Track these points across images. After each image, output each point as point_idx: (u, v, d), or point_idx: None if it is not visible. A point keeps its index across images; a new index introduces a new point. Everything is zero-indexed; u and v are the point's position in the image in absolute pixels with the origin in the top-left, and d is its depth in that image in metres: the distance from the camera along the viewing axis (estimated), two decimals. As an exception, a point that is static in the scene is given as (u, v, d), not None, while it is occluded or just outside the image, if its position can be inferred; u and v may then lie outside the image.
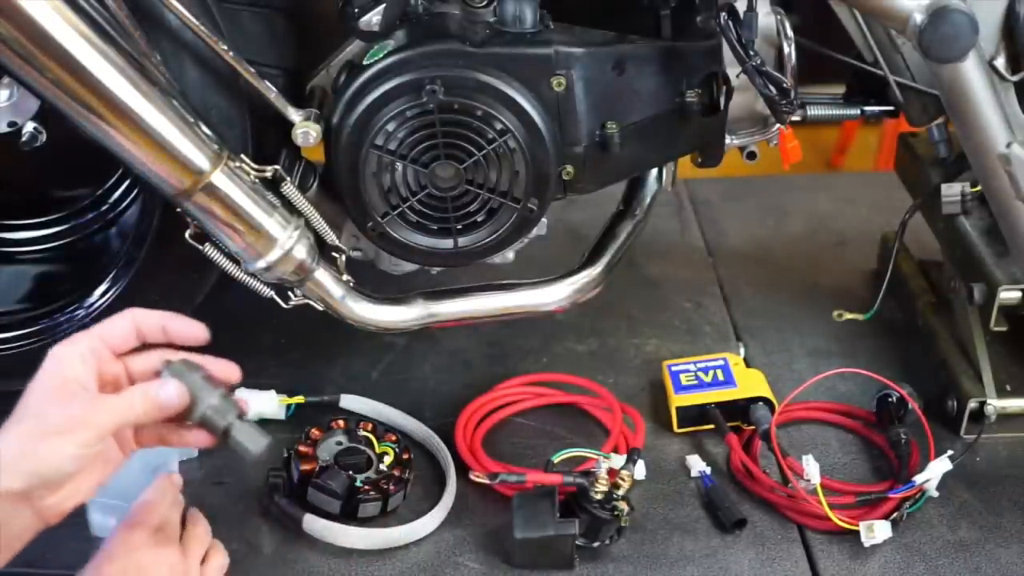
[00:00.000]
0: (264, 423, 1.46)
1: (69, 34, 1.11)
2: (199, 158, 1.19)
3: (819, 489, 1.29)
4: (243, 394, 1.45)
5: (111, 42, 1.14)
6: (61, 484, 0.89)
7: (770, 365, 1.59)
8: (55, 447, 0.88)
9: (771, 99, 1.29)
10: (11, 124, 1.35)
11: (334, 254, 1.34)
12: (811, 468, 1.30)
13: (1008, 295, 1.42)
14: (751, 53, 1.27)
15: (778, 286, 1.82)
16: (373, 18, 1.28)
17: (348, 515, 1.30)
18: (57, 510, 0.92)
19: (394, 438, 1.38)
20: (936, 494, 1.34)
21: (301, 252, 1.28)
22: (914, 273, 1.73)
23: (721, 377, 1.49)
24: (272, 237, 1.26)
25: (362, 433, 1.37)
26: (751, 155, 1.47)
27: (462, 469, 1.37)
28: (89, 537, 1.26)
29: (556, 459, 1.34)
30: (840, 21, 1.42)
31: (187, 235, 1.26)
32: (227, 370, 1.04)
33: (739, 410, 1.46)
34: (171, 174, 1.19)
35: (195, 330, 1.03)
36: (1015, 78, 1.30)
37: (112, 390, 0.97)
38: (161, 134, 1.17)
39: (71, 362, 0.94)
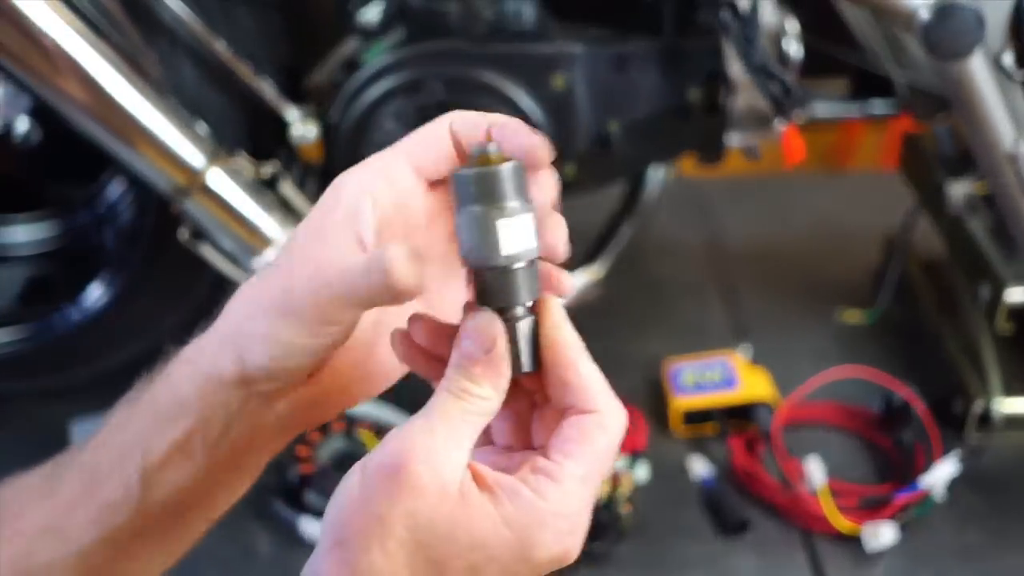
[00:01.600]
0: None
1: (64, 31, 1.10)
2: (195, 156, 1.18)
3: (823, 491, 1.28)
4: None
5: (106, 39, 1.13)
6: (284, 375, 0.58)
7: (773, 366, 1.57)
8: (261, 327, 0.57)
9: (774, 97, 1.27)
10: (5, 122, 1.34)
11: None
12: (814, 470, 1.29)
13: (1015, 295, 1.40)
14: (754, 50, 1.26)
15: (781, 286, 1.81)
16: (372, 15, 1.27)
17: (346, 518, 1.29)
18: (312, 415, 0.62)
19: (393, 440, 1.36)
20: (942, 497, 1.32)
21: (298, 252, 1.27)
22: (919, 273, 1.71)
23: (723, 378, 1.47)
24: (269, 236, 1.24)
25: (360, 435, 1.36)
26: (753, 153, 1.45)
27: (461, 471, 1.35)
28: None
29: (556, 461, 1.33)
30: (844, 18, 1.41)
31: (183, 234, 1.25)
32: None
33: (741, 411, 1.44)
34: (166, 172, 1.18)
35: (533, 142, 0.59)
36: (1022, 76, 1.28)
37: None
38: (156, 132, 1.16)
39: (346, 197, 0.57)
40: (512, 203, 0.54)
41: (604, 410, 0.56)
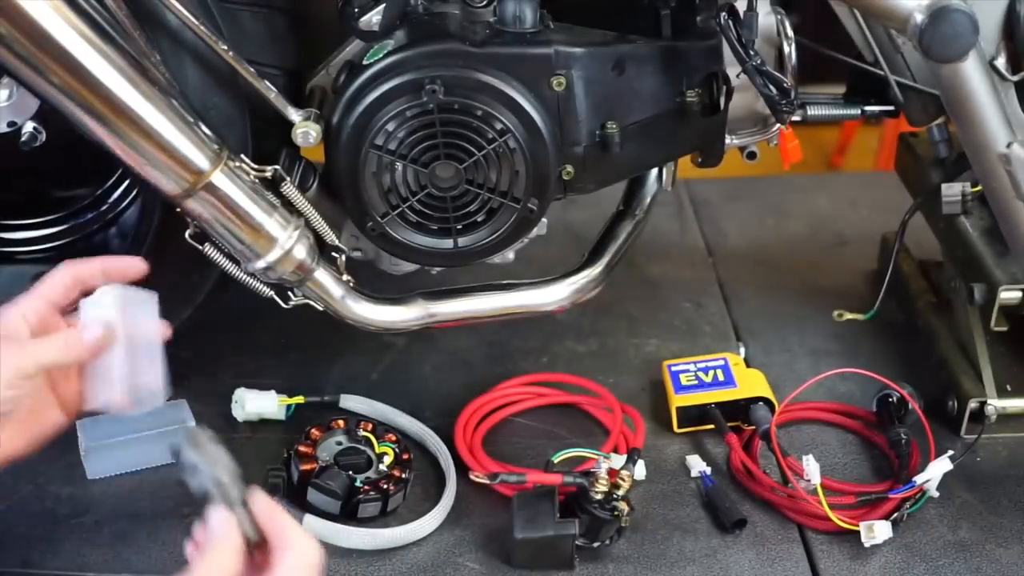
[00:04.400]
0: (264, 423, 1.46)
1: (69, 34, 1.11)
2: (199, 158, 1.19)
3: (819, 489, 1.29)
4: (243, 394, 1.45)
5: (111, 42, 1.14)
6: None
7: (770, 365, 1.59)
8: None
9: (771, 99, 1.29)
10: (11, 124, 1.35)
11: (334, 254, 1.34)
12: (811, 468, 1.30)
13: (1008, 295, 1.42)
14: (751, 53, 1.27)
15: (778, 286, 1.82)
16: (373, 18, 1.28)
17: (348, 516, 1.30)
18: None
19: (394, 438, 1.37)
20: (936, 494, 1.34)
21: (301, 252, 1.28)
22: (914, 273, 1.73)
23: (721, 377, 1.49)
24: (272, 237, 1.26)
25: (362, 433, 1.37)
26: (751, 155, 1.47)
27: (462, 469, 1.37)
28: (87, 536, 1.26)
29: (556, 459, 1.34)
30: (840, 21, 1.42)
31: (187, 235, 1.26)
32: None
33: (739, 410, 1.46)
34: (171, 174, 1.19)
35: (132, 265, 1.08)
36: (1015, 78, 1.30)
37: None
38: (161, 134, 1.17)
39: (9, 319, 1.01)
40: (207, 454, 0.88)
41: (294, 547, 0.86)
